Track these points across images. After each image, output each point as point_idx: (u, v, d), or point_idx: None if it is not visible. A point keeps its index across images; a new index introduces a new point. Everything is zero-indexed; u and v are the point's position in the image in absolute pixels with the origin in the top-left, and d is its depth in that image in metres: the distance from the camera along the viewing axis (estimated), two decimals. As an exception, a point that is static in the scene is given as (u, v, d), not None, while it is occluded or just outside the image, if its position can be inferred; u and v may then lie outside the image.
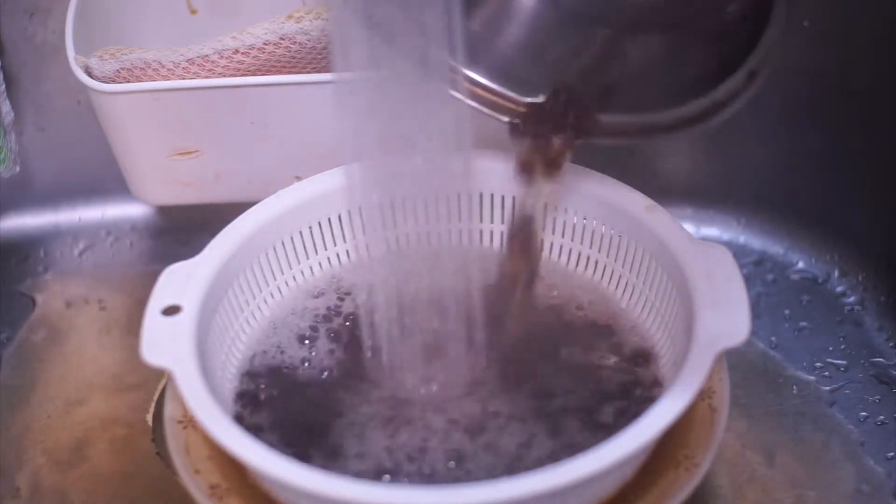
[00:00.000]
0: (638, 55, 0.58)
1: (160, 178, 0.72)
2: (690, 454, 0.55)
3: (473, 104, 0.58)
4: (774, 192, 0.77)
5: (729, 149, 0.76)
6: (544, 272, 0.66)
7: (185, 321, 0.57)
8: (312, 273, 0.66)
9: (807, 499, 0.63)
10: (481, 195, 0.65)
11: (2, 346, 0.74)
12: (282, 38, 0.68)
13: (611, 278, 0.64)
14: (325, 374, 0.62)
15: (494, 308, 0.63)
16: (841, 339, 0.71)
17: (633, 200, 0.62)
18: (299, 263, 0.65)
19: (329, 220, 0.65)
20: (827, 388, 0.68)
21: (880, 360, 0.69)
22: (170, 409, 0.58)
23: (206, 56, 0.69)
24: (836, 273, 0.74)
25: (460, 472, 0.55)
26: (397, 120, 0.54)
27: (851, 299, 0.73)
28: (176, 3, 0.76)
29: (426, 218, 0.65)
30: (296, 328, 0.64)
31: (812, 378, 0.69)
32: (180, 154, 0.71)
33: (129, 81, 0.69)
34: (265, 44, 0.68)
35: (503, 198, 0.65)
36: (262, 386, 0.61)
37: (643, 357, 0.61)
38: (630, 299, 0.63)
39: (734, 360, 0.59)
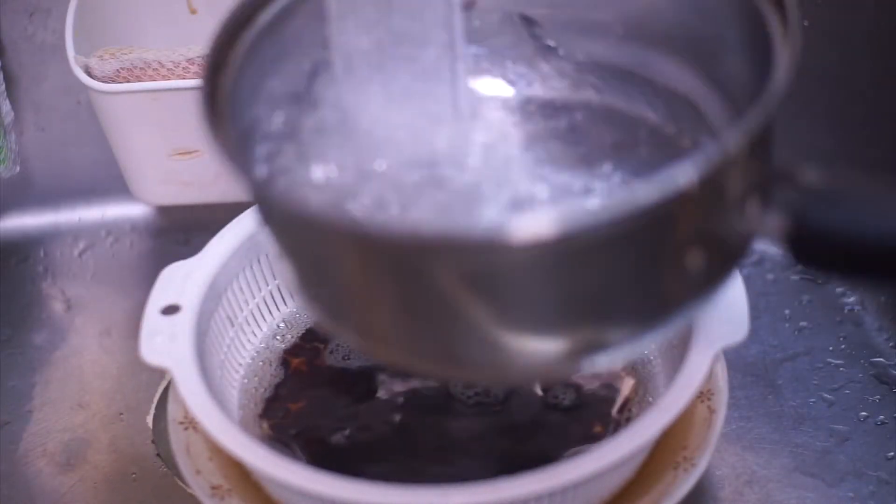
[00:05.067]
0: None
1: (160, 178, 0.73)
2: (689, 455, 0.55)
3: None
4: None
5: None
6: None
7: (185, 321, 0.57)
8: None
9: (807, 500, 0.63)
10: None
11: (2, 347, 0.73)
12: (282, 38, 0.68)
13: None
14: (329, 371, 0.62)
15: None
16: (841, 339, 0.71)
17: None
18: (299, 263, 0.65)
19: (329, 220, 0.65)
20: (827, 388, 0.68)
21: (880, 360, 0.69)
22: (171, 411, 0.58)
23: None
24: (837, 273, 0.74)
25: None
26: None
27: (851, 299, 0.73)
28: (176, 3, 0.76)
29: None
30: (296, 327, 0.64)
31: (812, 378, 0.68)
32: (180, 154, 0.71)
33: (129, 81, 0.69)
34: (265, 44, 0.68)
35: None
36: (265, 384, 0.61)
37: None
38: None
39: (734, 361, 0.59)
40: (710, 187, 0.40)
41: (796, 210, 0.42)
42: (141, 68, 0.69)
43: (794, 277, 0.74)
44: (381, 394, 0.60)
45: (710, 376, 0.57)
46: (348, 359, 0.62)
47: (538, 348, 0.42)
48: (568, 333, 0.42)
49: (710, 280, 0.43)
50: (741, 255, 0.44)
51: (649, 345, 0.43)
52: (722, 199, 0.41)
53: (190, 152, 0.71)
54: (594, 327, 0.42)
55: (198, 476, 0.55)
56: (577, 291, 0.41)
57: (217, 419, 0.53)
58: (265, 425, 0.60)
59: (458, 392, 0.60)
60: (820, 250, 0.42)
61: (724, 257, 0.44)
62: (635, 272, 0.41)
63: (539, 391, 0.60)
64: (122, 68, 0.69)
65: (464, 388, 0.60)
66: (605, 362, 0.43)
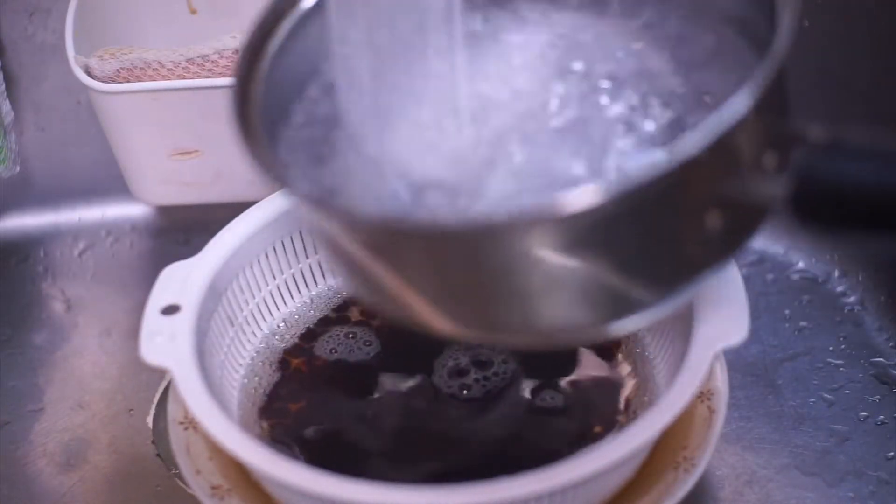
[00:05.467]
0: None
1: (160, 178, 0.73)
2: (689, 455, 0.55)
3: None
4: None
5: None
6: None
7: (184, 320, 0.57)
8: (312, 272, 0.66)
9: (806, 500, 0.63)
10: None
11: (2, 347, 0.73)
12: (281, 38, 0.68)
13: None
14: (328, 371, 0.62)
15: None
16: (841, 339, 0.71)
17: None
18: (299, 263, 0.65)
19: (329, 220, 0.65)
20: (827, 388, 0.68)
21: (880, 360, 0.69)
22: (171, 411, 0.58)
23: (206, 56, 0.69)
24: (836, 273, 0.74)
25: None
26: None
27: (851, 299, 0.73)
28: (176, 3, 0.76)
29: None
30: (296, 327, 0.64)
31: (812, 378, 0.68)
32: (180, 154, 0.71)
33: (129, 81, 0.69)
34: (265, 44, 0.68)
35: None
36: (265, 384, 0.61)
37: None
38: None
39: (734, 361, 0.59)
40: (721, 150, 0.42)
41: (803, 166, 0.43)
42: (141, 68, 0.69)
43: (794, 277, 0.74)
44: (381, 394, 0.60)
45: (710, 376, 0.57)
46: (346, 355, 0.62)
47: (573, 313, 0.45)
48: (599, 300, 0.44)
49: (732, 243, 0.46)
50: (761, 218, 0.46)
51: (673, 308, 0.46)
52: (736, 159, 0.43)
53: (190, 152, 0.71)
54: (624, 292, 0.44)
55: (198, 476, 0.55)
56: (611, 256, 0.43)
57: (217, 419, 0.53)
58: (265, 425, 0.60)
59: (456, 392, 0.60)
60: (823, 206, 0.43)
61: (743, 220, 0.45)
62: (661, 236, 0.44)
63: (528, 395, 0.60)
64: (122, 68, 0.69)
65: (459, 388, 0.60)
66: (632, 326, 0.46)
